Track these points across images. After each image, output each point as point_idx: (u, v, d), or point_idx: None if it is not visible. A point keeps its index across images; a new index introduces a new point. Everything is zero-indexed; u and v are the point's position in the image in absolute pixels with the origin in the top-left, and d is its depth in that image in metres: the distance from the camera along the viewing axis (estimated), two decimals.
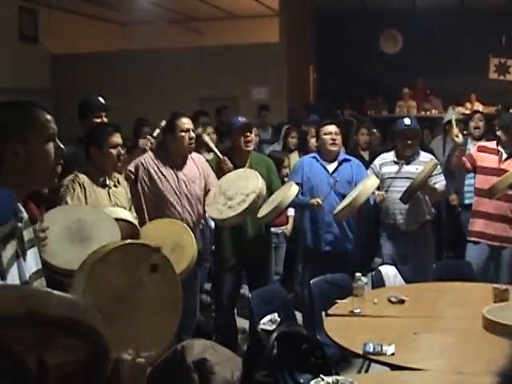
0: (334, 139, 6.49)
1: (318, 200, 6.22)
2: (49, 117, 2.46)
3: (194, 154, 6.05)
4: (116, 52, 16.04)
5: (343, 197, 6.32)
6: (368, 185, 5.98)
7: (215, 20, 16.43)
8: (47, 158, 2.42)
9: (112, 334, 2.66)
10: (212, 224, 7.01)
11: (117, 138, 5.01)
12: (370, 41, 17.06)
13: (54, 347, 1.74)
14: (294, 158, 8.11)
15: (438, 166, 6.52)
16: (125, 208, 4.95)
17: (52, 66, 15.97)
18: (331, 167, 6.52)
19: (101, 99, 6.01)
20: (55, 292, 1.85)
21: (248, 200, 5.46)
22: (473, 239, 6.64)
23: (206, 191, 5.93)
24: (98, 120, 5.87)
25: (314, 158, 6.62)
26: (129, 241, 2.90)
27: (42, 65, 15.54)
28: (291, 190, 5.93)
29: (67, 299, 1.80)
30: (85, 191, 4.79)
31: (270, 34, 15.08)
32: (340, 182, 6.45)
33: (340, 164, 6.53)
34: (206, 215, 6.27)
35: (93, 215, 4.25)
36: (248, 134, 6.22)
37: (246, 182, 5.63)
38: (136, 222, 4.70)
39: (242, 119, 6.34)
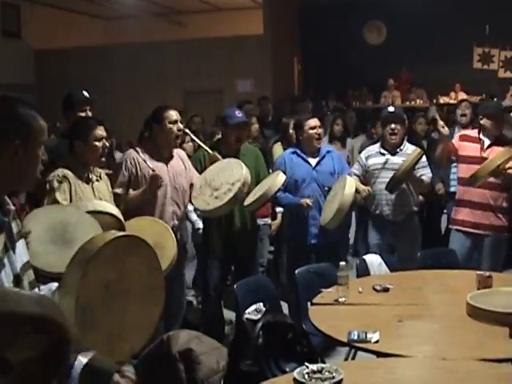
0: (319, 134, 6.51)
1: (307, 201, 6.24)
2: (45, 124, 2.49)
3: (177, 149, 6.05)
4: (100, 46, 16.02)
5: (325, 189, 6.37)
6: (346, 193, 5.92)
7: (199, 13, 16.45)
8: (37, 163, 2.45)
9: (102, 327, 2.69)
10: (193, 218, 7.03)
11: (101, 131, 5.03)
12: (354, 32, 17.08)
13: (17, 344, 1.76)
14: (277, 149, 8.12)
15: (424, 158, 6.52)
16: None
17: (35, 61, 15.93)
18: (313, 160, 6.52)
19: (85, 93, 6.00)
20: (23, 291, 1.87)
21: (233, 189, 5.46)
22: (456, 227, 6.66)
23: (190, 184, 5.94)
24: (83, 114, 5.87)
25: (295, 152, 6.61)
26: (116, 234, 2.91)
27: (26, 60, 15.50)
28: (278, 179, 5.93)
29: (35, 297, 1.82)
30: (70, 186, 4.80)
31: (254, 26, 15.09)
32: (323, 174, 6.47)
33: (323, 157, 6.54)
34: (189, 209, 6.29)
35: (76, 217, 4.24)
36: (243, 131, 6.23)
37: (231, 172, 5.63)
38: (121, 216, 4.70)
39: (239, 115, 6.26)
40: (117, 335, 2.76)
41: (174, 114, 5.78)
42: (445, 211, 8.81)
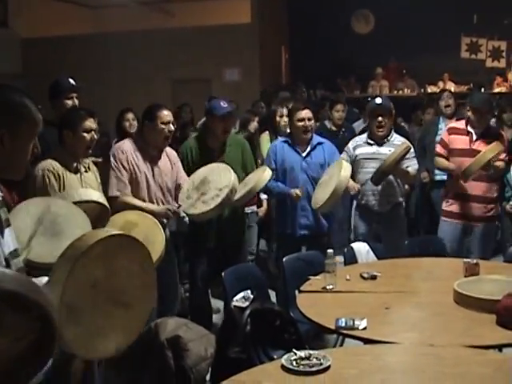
0: (306, 126, 6.47)
1: (298, 192, 6.24)
2: (40, 117, 2.48)
3: (167, 148, 6.04)
4: (88, 35, 15.95)
5: (315, 180, 6.37)
6: (343, 176, 5.91)
7: (187, 1, 16.35)
8: (26, 155, 2.45)
9: (87, 324, 2.69)
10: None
11: (91, 123, 5.02)
12: (341, 21, 17.03)
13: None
14: (265, 138, 8.12)
15: (412, 150, 6.51)
16: None
17: (23, 50, 15.85)
18: (304, 151, 6.52)
19: (71, 80, 5.98)
20: None
21: (221, 194, 5.47)
22: (448, 220, 6.68)
23: (177, 184, 5.95)
24: (69, 101, 5.86)
25: (286, 142, 6.61)
26: (109, 233, 2.91)
27: (13, 49, 15.42)
28: (264, 175, 5.93)
29: (10, 274, 1.81)
30: (58, 179, 4.81)
31: (242, 14, 15.06)
32: (313, 165, 6.47)
33: (313, 148, 6.53)
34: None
35: (65, 209, 4.24)
36: (229, 122, 6.22)
37: (219, 177, 5.63)
38: (106, 203, 4.72)
39: (224, 105, 6.20)
40: (102, 334, 2.76)
41: (167, 115, 5.76)
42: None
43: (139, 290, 2.90)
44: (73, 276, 2.58)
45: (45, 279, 2.74)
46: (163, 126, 5.71)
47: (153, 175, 5.77)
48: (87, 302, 2.66)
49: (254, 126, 8.44)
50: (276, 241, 7.09)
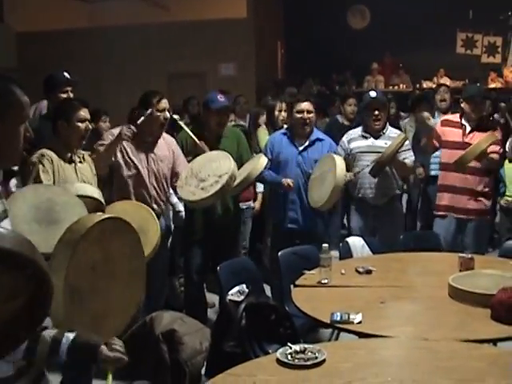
0: (305, 119, 6.42)
1: (289, 182, 6.23)
2: (27, 99, 2.47)
3: (165, 135, 6.02)
4: (83, 29, 15.90)
5: (308, 176, 6.37)
6: (339, 174, 5.87)
7: None
8: (17, 140, 2.43)
9: (89, 307, 2.70)
10: (173, 200, 7.01)
11: (84, 113, 5.02)
12: (337, 16, 17.03)
13: None
14: (262, 132, 8.10)
15: (407, 142, 6.52)
16: (91, 184, 4.95)
17: (18, 44, 15.81)
18: (301, 145, 6.49)
19: (66, 74, 5.98)
20: None
21: (221, 181, 5.44)
22: (440, 213, 6.69)
23: (174, 172, 5.93)
24: (64, 95, 5.86)
25: (285, 134, 6.60)
26: (103, 216, 2.92)
27: (8, 43, 15.37)
28: (260, 163, 5.91)
29: (6, 232, 1.81)
30: (53, 167, 4.80)
31: (238, 9, 15.03)
32: (307, 160, 6.44)
33: (311, 143, 6.50)
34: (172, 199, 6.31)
35: (63, 198, 4.23)
36: (224, 116, 6.20)
37: (218, 164, 5.60)
38: (102, 198, 4.71)
39: (221, 99, 6.18)
40: (101, 316, 2.77)
41: (162, 102, 5.75)
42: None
43: (132, 273, 2.92)
44: (75, 259, 2.59)
45: None
46: (158, 114, 5.70)
47: (147, 162, 5.76)
48: (88, 284, 2.68)
49: (263, 120, 8.48)
50: (271, 233, 7.09)
